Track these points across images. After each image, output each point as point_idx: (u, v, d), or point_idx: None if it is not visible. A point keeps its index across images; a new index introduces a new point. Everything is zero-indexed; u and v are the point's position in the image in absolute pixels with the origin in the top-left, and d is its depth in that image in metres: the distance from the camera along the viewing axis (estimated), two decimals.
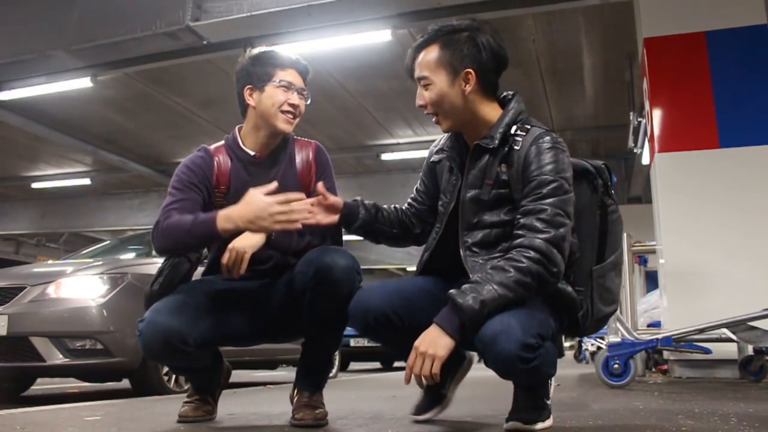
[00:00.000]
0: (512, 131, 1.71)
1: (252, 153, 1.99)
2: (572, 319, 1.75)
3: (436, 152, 1.91)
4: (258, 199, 1.72)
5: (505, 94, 1.81)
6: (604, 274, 1.75)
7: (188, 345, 1.79)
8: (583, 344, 8.77)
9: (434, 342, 1.52)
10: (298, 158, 2.04)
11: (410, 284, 1.86)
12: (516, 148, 1.68)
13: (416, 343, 1.54)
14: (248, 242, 1.80)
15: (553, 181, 1.61)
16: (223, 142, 2.04)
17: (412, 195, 2.00)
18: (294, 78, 1.98)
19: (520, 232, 1.60)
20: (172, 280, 1.93)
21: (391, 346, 1.90)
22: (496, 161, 1.71)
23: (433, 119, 1.77)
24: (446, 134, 1.89)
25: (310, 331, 1.92)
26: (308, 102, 2.02)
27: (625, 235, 1.85)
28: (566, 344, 13.73)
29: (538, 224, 1.57)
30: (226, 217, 1.74)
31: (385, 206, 1.96)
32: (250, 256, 1.80)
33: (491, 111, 1.76)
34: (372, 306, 1.73)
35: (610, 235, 1.78)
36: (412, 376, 1.54)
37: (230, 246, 1.80)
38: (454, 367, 1.98)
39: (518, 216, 1.64)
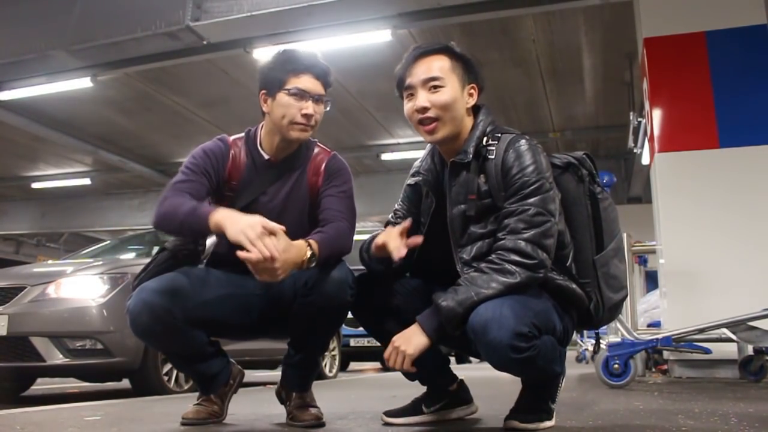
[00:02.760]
0: (484, 142, 1.73)
1: (266, 156, 1.95)
2: (583, 313, 1.75)
3: (413, 174, 1.93)
4: (248, 219, 1.64)
5: (473, 105, 1.81)
6: (607, 261, 1.77)
7: (175, 318, 1.75)
8: (588, 342, 8.75)
9: (408, 339, 1.59)
10: (313, 166, 1.98)
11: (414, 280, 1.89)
12: (490, 157, 1.70)
13: (394, 338, 1.62)
14: (291, 255, 1.64)
15: (535, 181, 1.64)
16: (243, 135, 2.00)
17: (392, 217, 1.96)
18: (309, 84, 1.88)
19: (502, 234, 1.64)
20: (158, 273, 1.88)
21: (378, 334, 1.90)
22: (473, 174, 1.73)
23: (427, 127, 1.72)
24: (423, 156, 1.91)
25: (297, 333, 1.90)
26: (327, 108, 1.94)
27: (619, 220, 1.86)
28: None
29: (520, 225, 1.61)
30: (216, 224, 1.66)
31: None
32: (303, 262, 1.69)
33: (469, 125, 1.78)
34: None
35: (605, 222, 1.80)
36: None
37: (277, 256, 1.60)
38: (458, 404, 1.97)
39: (501, 218, 1.66)
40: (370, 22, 5.72)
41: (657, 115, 4.57)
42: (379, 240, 1.72)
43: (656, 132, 4.54)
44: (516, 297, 1.56)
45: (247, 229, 1.60)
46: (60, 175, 12.55)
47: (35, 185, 12.91)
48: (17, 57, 6.39)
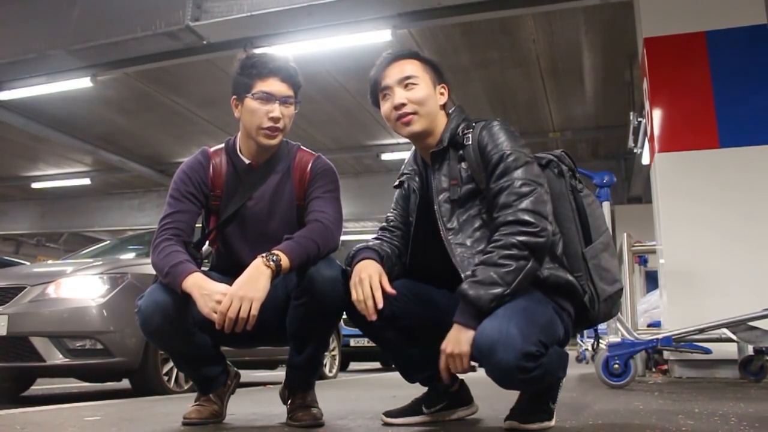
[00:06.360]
0: (459, 132, 1.80)
1: (247, 161, 1.98)
2: (578, 307, 1.73)
3: (398, 176, 1.97)
4: (215, 287, 1.69)
5: (448, 107, 1.90)
6: (596, 254, 1.78)
7: (186, 321, 1.76)
8: (588, 342, 8.74)
9: (458, 342, 1.57)
10: (299, 169, 2.00)
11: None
12: (468, 143, 1.77)
13: (442, 346, 1.60)
14: (257, 291, 1.67)
15: (511, 153, 1.69)
16: (223, 145, 2.03)
17: (386, 224, 1.96)
18: (275, 87, 1.89)
19: (499, 212, 1.65)
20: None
21: (382, 343, 1.89)
22: (454, 162, 1.78)
23: (405, 119, 1.81)
24: (407, 160, 1.97)
25: (295, 335, 1.89)
26: (296, 110, 1.96)
27: (608, 213, 1.88)
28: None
29: (511, 198, 1.64)
30: (192, 285, 1.71)
31: (386, 249, 1.89)
32: (258, 307, 1.68)
33: (444, 123, 1.86)
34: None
35: (591, 217, 1.82)
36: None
37: (234, 293, 1.67)
38: (459, 404, 1.98)
39: (492, 197, 1.69)
40: (370, 22, 5.71)
41: (657, 115, 4.57)
42: (355, 295, 1.69)
43: (656, 132, 4.54)
44: (522, 309, 1.54)
45: (213, 306, 1.66)
46: (60, 175, 12.56)
47: (35, 185, 12.92)
48: (17, 57, 6.38)
